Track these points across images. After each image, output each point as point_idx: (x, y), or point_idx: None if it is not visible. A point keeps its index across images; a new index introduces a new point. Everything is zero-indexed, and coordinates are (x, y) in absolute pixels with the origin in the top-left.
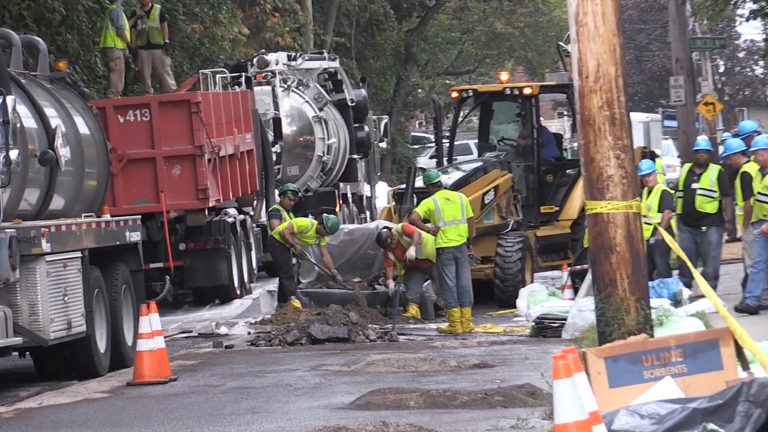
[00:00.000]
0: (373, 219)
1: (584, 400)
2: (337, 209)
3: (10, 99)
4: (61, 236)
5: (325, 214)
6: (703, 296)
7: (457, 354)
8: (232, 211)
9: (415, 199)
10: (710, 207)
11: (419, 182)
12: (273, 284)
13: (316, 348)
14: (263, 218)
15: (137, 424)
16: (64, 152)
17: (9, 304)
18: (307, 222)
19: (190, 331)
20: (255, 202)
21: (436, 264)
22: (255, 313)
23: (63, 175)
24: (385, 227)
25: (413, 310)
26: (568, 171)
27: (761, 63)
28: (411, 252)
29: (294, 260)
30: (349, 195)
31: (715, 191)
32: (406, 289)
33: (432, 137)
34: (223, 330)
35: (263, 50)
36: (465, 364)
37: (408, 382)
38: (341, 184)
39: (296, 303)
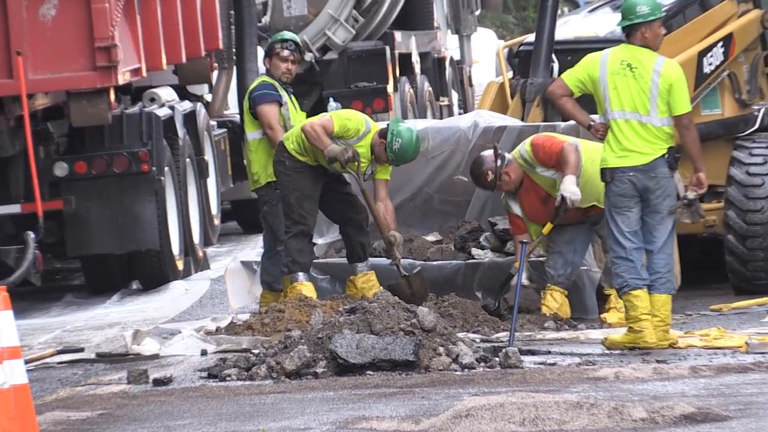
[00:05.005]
0: (465, 107)
1: None
2: (390, 89)
3: None
4: None
5: (393, 123)
6: None
7: (646, 393)
8: (167, 93)
9: (555, 65)
10: None
11: (566, 28)
12: (253, 248)
13: (348, 383)
14: (232, 109)
15: None
16: None
17: None
18: (359, 119)
19: (81, 349)
20: (216, 73)
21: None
22: (218, 310)
23: None
24: (494, 147)
25: (552, 300)
26: None
27: None
28: (569, 184)
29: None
30: (416, 57)
31: None
32: (545, 258)
33: None
34: (149, 346)
35: None
36: (664, 414)
37: None
38: (398, 36)
39: (304, 287)
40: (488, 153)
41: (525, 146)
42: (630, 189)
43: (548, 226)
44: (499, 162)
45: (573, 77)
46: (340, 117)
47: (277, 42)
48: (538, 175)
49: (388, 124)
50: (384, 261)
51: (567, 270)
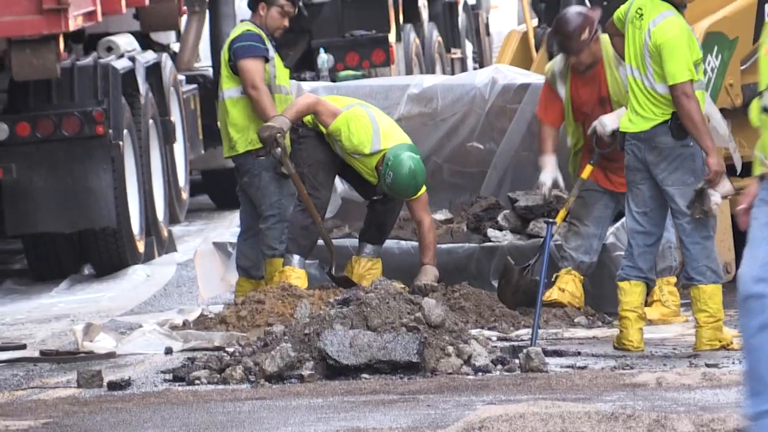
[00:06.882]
0: (482, 60)
1: None
2: (392, 38)
3: None
4: None
5: (392, 150)
6: None
7: (693, 403)
8: (126, 42)
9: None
10: None
11: None
12: (228, 227)
13: (340, 388)
14: (204, 62)
15: None
16: None
17: None
18: (365, 138)
19: (23, 346)
20: (185, 18)
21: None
22: (185, 300)
23: None
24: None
25: (574, 286)
26: None
27: None
28: (611, 114)
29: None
30: (423, 1)
31: None
32: (565, 236)
33: None
34: (103, 343)
35: None
36: (714, 428)
37: None
38: None
39: (295, 274)
40: (580, 9)
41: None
42: (633, 160)
43: (587, 169)
44: (596, 25)
45: (616, 15)
46: (347, 121)
47: None
48: (617, 74)
49: (384, 159)
50: (390, 244)
51: (593, 258)
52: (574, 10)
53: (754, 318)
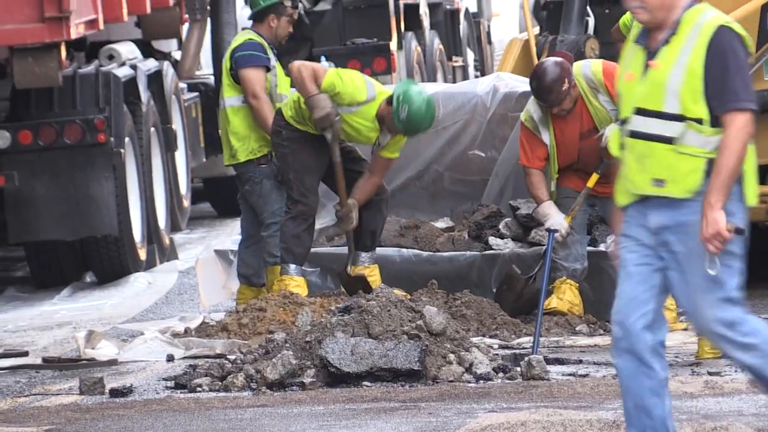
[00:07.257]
0: (483, 68)
1: None
2: (393, 46)
3: None
4: None
5: (399, 86)
6: None
7: (695, 412)
8: (128, 50)
9: (590, 20)
10: None
11: None
12: (229, 235)
13: (341, 395)
14: (205, 69)
15: None
16: None
17: None
18: (359, 85)
19: (25, 353)
20: (187, 26)
21: None
22: (187, 307)
23: None
24: (563, 55)
25: (572, 295)
26: None
27: None
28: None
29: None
30: (424, 9)
31: None
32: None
33: None
34: (105, 350)
35: None
36: None
37: None
38: None
39: (294, 282)
40: (556, 59)
41: (591, 68)
42: None
43: (593, 178)
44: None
45: (621, 21)
46: (337, 73)
47: None
48: (597, 103)
49: (393, 96)
50: (390, 252)
51: (584, 264)
52: (550, 62)
53: (618, 345)
